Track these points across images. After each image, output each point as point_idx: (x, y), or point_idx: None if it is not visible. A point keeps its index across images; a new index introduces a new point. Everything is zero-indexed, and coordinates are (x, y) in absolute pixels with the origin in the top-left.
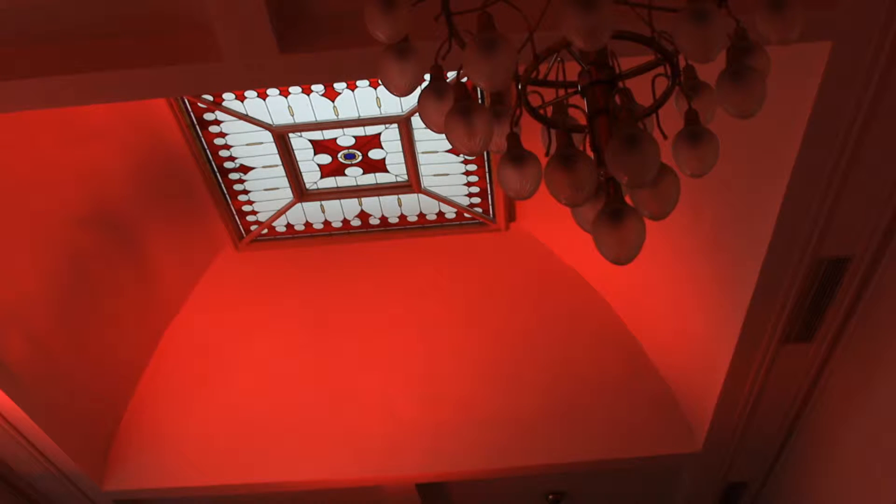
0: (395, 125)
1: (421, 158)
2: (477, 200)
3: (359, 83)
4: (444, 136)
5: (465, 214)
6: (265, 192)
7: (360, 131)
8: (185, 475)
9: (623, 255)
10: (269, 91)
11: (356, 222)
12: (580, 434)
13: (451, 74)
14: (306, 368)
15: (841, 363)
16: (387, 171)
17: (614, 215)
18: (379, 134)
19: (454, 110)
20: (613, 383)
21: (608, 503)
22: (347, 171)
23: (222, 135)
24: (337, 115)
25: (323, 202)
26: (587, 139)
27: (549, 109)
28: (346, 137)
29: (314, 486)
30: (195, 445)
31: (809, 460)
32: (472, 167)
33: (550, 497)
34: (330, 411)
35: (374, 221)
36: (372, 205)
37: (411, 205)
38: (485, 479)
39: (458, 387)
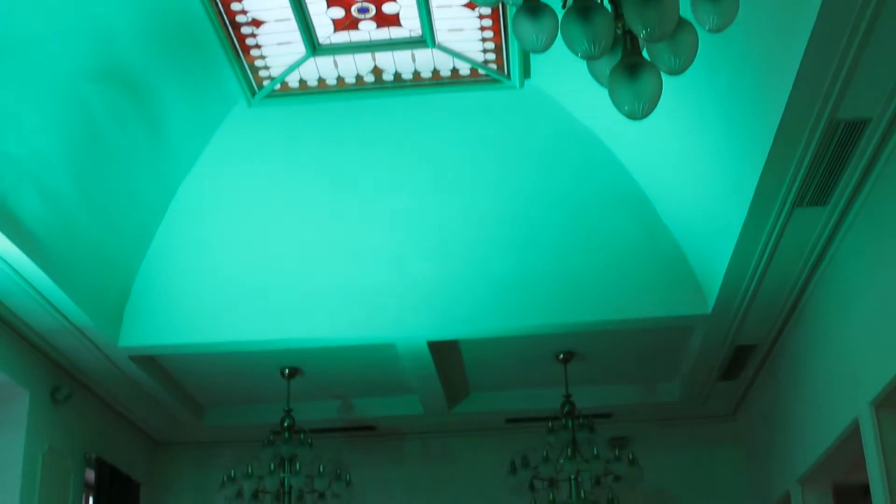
0: None
1: (435, 13)
2: (492, 56)
3: None
4: None
5: (480, 71)
6: (278, 47)
7: None
8: (199, 331)
9: (639, 110)
10: None
11: (369, 78)
12: (591, 294)
13: None
14: (319, 226)
15: (854, 228)
16: (401, 25)
17: (631, 69)
18: None
19: None
20: (625, 244)
21: (617, 363)
22: (361, 25)
23: None
24: None
25: (336, 57)
26: None
27: None
28: None
29: (326, 342)
30: (210, 302)
31: (819, 324)
32: (488, 22)
33: (561, 356)
34: (343, 269)
35: (387, 78)
36: (385, 61)
37: (425, 61)
38: (496, 337)
39: (470, 246)
